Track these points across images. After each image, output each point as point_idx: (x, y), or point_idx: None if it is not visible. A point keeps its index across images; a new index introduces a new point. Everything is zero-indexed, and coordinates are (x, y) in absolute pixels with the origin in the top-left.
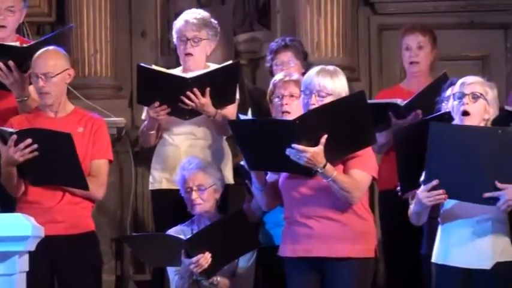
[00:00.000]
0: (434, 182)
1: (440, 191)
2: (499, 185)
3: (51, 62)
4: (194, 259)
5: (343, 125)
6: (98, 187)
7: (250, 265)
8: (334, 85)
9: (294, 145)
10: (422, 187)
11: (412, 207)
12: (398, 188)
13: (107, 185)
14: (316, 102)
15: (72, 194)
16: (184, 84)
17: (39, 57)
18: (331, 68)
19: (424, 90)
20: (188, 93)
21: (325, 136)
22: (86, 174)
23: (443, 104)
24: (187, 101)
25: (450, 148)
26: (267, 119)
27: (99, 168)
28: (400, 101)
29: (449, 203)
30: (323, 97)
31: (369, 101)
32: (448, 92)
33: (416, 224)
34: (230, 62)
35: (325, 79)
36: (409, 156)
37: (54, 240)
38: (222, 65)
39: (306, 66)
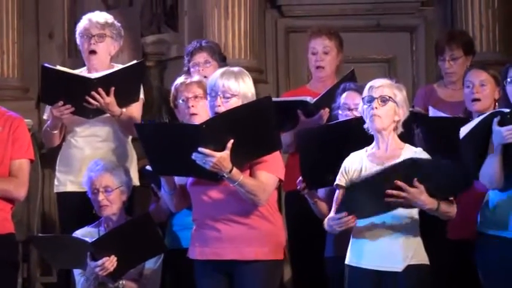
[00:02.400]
0: (343, 215)
1: (350, 217)
2: (399, 183)
3: None
4: (99, 262)
5: (250, 130)
6: (19, 187)
7: (157, 267)
8: (239, 86)
9: (200, 149)
10: (332, 214)
11: (325, 222)
12: (299, 180)
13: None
14: (221, 104)
15: None
16: (89, 85)
17: None
18: (235, 69)
19: (333, 87)
20: (93, 93)
21: (232, 141)
22: (6, 174)
23: (339, 111)
24: (92, 101)
25: None
26: (173, 123)
27: (19, 168)
28: (309, 99)
29: None
30: (228, 98)
31: (279, 99)
32: (342, 100)
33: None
34: (134, 61)
35: (229, 80)
36: (311, 158)
37: None
38: (127, 64)
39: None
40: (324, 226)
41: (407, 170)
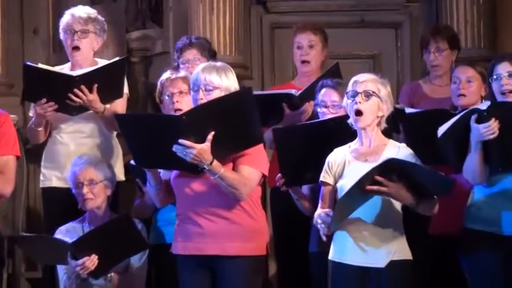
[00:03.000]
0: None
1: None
2: (378, 178)
3: None
4: (80, 261)
5: (230, 122)
6: (5, 184)
7: (142, 263)
8: (221, 80)
9: (180, 140)
10: (318, 211)
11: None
12: (278, 177)
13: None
14: (204, 97)
15: None
16: (72, 82)
17: None
18: (218, 63)
19: (317, 80)
20: (76, 90)
21: (212, 133)
22: None
23: (318, 109)
24: (74, 98)
25: None
26: (153, 114)
27: (6, 164)
28: (294, 91)
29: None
30: (210, 91)
31: (264, 92)
32: (320, 97)
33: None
34: (117, 58)
35: (211, 74)
36: (290, 155)
37: None
38: (109, 61)
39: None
40: (313, 221)
41: (388, 168)
